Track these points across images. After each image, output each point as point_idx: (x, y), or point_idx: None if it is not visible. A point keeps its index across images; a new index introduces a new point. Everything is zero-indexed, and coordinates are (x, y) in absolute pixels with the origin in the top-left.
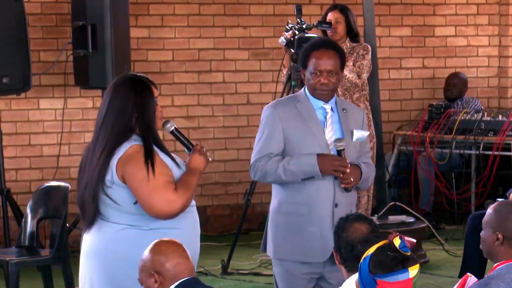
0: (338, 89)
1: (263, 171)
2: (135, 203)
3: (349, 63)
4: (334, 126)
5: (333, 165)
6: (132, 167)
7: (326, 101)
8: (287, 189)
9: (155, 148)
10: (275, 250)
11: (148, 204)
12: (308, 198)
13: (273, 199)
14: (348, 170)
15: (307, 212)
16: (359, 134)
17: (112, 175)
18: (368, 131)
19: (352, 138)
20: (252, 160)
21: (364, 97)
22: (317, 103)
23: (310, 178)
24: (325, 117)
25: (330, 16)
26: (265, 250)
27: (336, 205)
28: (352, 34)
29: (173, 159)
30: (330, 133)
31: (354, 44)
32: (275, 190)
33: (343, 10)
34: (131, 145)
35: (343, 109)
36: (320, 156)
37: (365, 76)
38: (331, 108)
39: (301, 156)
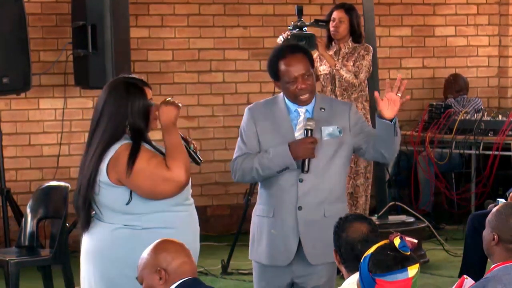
0: (337, 89)
1: (241, 170)
2: (128, 203)
3: (349, 63)
4: (304, 128)
5: (306, 148)
6: (124, 167)
7: (306, 104)
8: (261, 191)
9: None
10: (251, 251)
11: (154, 193)
12: (273, 201)
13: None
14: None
15: (272, 215)
16: (327, 130)
17: (103, 177)
18: (337, 126)
19: (322, 136)
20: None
21: (362, 98)
22: (292, 106)
23: (285, 169)
24: (298, 120)
25: (334, 15)
26: None
27: (299, 208)
28: (355, 35)
29: (162, 153)
30: (301, 136)
31: (356, 44)
32: (258, 192)
33: (348, 10)
34: (120, 145)
35: (321, 108)
36: (291, 144)
37: (363, 76)
38: (306, 110)
39: (274, 149)
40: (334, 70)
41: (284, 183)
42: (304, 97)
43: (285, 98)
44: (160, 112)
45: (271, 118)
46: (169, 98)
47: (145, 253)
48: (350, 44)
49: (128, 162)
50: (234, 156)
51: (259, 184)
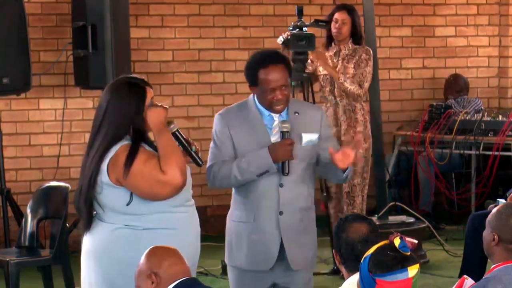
0: (336, 90)
1: (219, 176)
2: (128, 204)
3: (349, 65)
4: (280, 130)
5: (285, 150)
6: (122, 167)
7: (279, 113)
8: (237, 196)
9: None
10: (228, 256)
11: (151, 195)
12: (253, 206)
13: (230, 206)
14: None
15: (252, 220)
16: (308, 137)
17: (104, 177)
18: (318, 134)
19: (301, 141)
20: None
21: (361, 98)
22: (265, 111)
23: (264, 172)
24: (272, 125)
25: (337, 16)
26: None
27: (281, 213)
28: (356, 36)
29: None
30: (277, 140)
31: (356, 46)
32: (232, 197)
33: (351, 11)
34: (120, 146)
35: (295, 112)
36: (270, 146)
37: (367, 85)
38: (280, 115)
39: (252, 152)
40: (338, 83)
41: (264, 189)
42: (279, 107)
43: (256, 103)
44: (148, 115)
45: (244, 122)
46: (157, 103)
47: (138, 264)
48: (350, 45)
49: (126, 163)
50: (209, 163)
51: (233, 190)
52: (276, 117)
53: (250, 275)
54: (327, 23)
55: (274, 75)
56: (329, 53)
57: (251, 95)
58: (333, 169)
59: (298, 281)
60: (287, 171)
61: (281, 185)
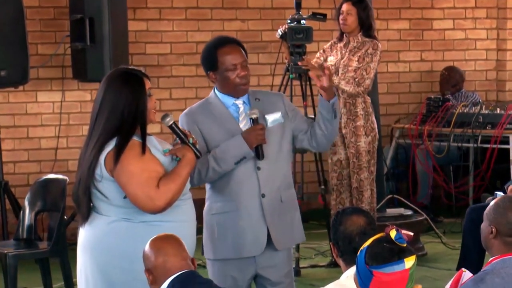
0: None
1: (197, 173)
2: (125, 197)
3: (354, 58)
4: (249, 117)
5: (257, 134)
6: (119, 162)
7: (245, 94)
8: (214, 189)
9: (151, 142)
10: (212, 251)
11: (133, 199)
12: (233, 194)
13: (206, 202)
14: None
15: (236, 208)
16: (272, 117)
17: (101, 169)
18: (280, 112)
19: (266, 124)
20: None
21: None
22: (228, 101)
23: (242, 159)
24: (238, 112)
25: (343, 8)
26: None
27: (263, 195)
28: (364, 28)
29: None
30: (246, 126)
31: (366, 39)
32: (207, 192)
33: (355, 2)
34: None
35: (256, 99)
36: (243, 133)
37: (369, 81)
38: (243, 102)
39: (226, 142)
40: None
41: (242, 175)
42: (245, 86)
43: (218, 95)
44: (183, 153)
45: (211, 117)
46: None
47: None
48: (359, 38)
49: (117, 154)
50: None
51: (208, 185)
52: (240, 104)
53: (235, 263)
54: (324, 16)
55: (233, 53)
56: (339, 45)
57: (211, 92)
58: (320, 109)
59: (281, 267)
60: (262, 155)
61: (258, 168)
